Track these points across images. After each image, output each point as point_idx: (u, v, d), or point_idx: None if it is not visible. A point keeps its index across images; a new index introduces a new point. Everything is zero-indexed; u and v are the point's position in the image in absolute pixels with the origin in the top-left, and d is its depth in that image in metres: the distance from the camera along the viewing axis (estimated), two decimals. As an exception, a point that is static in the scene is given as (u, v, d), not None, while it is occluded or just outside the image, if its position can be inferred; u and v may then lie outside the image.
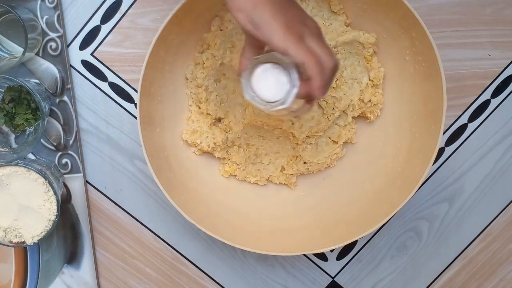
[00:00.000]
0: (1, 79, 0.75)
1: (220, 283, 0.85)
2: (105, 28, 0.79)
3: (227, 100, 0.77)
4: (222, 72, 0.77)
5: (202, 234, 0.81)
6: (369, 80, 0.77)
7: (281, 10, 0.56)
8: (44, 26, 0.77)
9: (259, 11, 0.55)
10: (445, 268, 0.86)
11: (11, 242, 0.74)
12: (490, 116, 0.83)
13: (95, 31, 0.79)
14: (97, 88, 0.80)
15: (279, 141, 0.79)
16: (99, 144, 0.81)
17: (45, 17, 0.77)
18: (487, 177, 0.84)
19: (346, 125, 0.79)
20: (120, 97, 0.81)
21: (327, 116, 0.77)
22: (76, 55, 0.79)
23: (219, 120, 0.78)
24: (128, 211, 0.83)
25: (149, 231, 0.83)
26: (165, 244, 0.84)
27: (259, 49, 0.60)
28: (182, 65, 0.77)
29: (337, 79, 0.76)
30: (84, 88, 0.80)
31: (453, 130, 0.83)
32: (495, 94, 0.82)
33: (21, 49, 0.76)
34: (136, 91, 0.80)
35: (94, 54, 0.80)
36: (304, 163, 0.79)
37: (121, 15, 0.79)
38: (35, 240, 0.74)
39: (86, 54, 0.80)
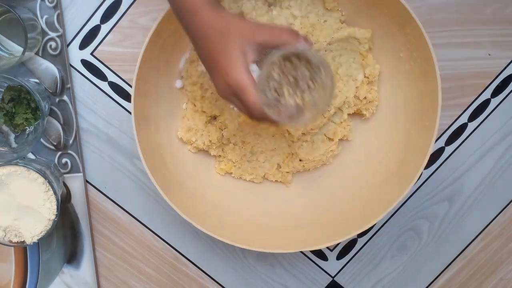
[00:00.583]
0: (1, 79, 0.75)
1: (220, 283, 0.85)
2: (105, 28, 0.79)
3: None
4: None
5: (202, 233, 0.81)
6: (365, 77, 0.77)
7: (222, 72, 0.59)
8: (44, 26, 0.78)
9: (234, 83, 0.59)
10: (445, 268, 0.86)
11: (11, 241, 0.74)
12: (490, 115, 0.83)
13: (95, 31, 0.79)
14: (97, 88, 0.80)
15: (274, 139, 0.79)
16: (99, 144, 0.81)
17: (45, 16, 0.77)
18: (487, 177, 0.84)
19: (341, 122, 0.79)
20: (120, 97, 0.81)
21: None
22: (76, 55, 0.79)
23: (214, 117, 0.78)
24: (128, 211, 0.83)
25: (149, 231, 0.83)
26: (165, 243, 0.84)
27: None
28: (177, 62, 0.77)
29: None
30: (84, 88, 0.80)
31: (453, 130, 0.83)
32: (495, 93, 0.82)
33: (21, 49, 0.76)
34: (136, 90, 0.80)
35: (94, 53, 0.80)
36: (300, 160, 0.79)
37: (121, 14, 0.79)
38: (35, 239, 0.74)
39: (86, 54, 0.80)
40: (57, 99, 0.79)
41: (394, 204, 0.70)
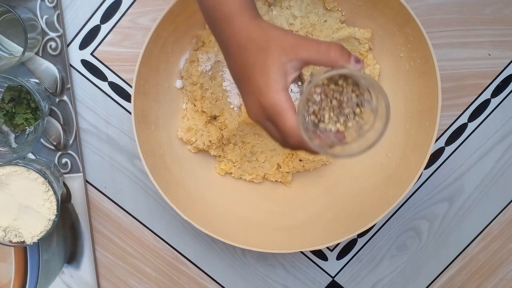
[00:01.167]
0: (1, 79, 0.75)
1: (220, 283, 0.85)
2: (105, 28, 0.79)
3: (222, 98, 0.77)
4: (217, 69, 0.77)
5: (202, 233, 0.81)
6: (365, 77, 0.77)
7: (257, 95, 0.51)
8: (43, 26, 0.78)
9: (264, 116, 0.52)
10: (445, 268, 0.86)
11: (11, 241, 0.74)
12: (490, 115, 0.83)
13: (95, 31, 0.79)
14: (97, 88, 0.80)
15: (274, 139, 0.79)
16: (99, 144, 0.81)
17: (45, 16, 0.77)
18: (487, 177, 0.84)
19: (341, 122, 0.79)
20: (120, 97, 0.81)
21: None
22: (76, 55, 0.79)
23: (214, 117, 0.78)
24: (128, 211, 0.83)
25: (149, 231, 0.83)
26: (165, 243, 0.84)
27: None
28: (177, 62, 0.77)
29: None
30: (84, 88, 0.80)
31: (453, 130, 0.83)
32: (495, 93, 0.82)
33: (21, 49, 0.76)
34: (136, 90, 0.80)
35: (94, 53, 0.80)
36: (300, 160, 0.79)
37: (121, 14, 0.79)
38: (35, 239, 0.74)
39: (86, 54, 0.80)
40: (57, 99, 0.79)
41: (394, 204, 0.70)
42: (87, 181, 0.82)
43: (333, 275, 0.86)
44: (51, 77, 0.79)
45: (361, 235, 0.85)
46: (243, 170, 0.80)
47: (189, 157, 0.79)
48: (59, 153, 0.80)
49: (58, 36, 0.78)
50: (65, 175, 0.80)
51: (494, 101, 0.83)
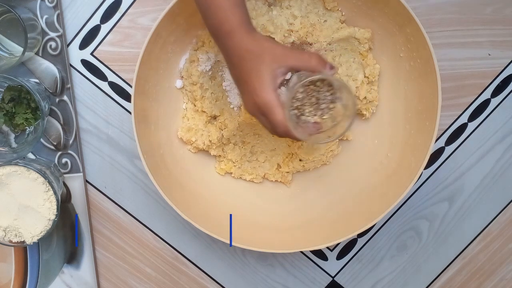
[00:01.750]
0: (1, 79, 0.75)
1: (220, 283, 0.85)
2: (104, 28, 0.79)
3: (222, 98, 0.77)
4: (217, 69, 0.77)
5: (202, 233, 0.81)
6: (365, 77, 0.77)
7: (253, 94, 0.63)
8: (44, 26, 0.78)
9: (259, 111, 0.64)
10: (445, 268, 0.86)
11: (11, 241, 0.74)
12: (490, 115, 0.83)
13: (94, 31, 0.79)
14: (97, 88, 0.80)
15: (274, 139, 0.79)
16: (99, 144, 0.81)
17: (45, 16, 0.77)
18: (487, 177, 0.84)
19: (341, 122, 0.79)
20: (120, 97, 0.81)
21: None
22: (76, 55, 0.79)
23: (214, 117, 0.78)
24: (128, 211, 0.83)
25: (149, 231, 0.83)
26: (165, 243, 0.84)
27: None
28: (177, 62, 0.77)
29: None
30: (84, 88, 0.80)
31: (453, 130, 0.83)
32: (495, 93, 0.82)
33: (21, 49, 0.76)
34: (136, 90, 0.80)
35: (94, 53, 0.80)
36: (300, 160, 0.79)
37: (121, 14, 0.79)
38: (35, 239, 0.74)
39: (86, 54, 0.80)
40: (57, 99, 0.79)
41: (394, 204, 0.70)
42: (87, 181, 0.82)
43: (333, 275, 0.86)
44: (51, 77, 0.79)
45: (361, 235, 0.85)
46: (243, 170, 0.80)
47: (189, 157, 0.79)
48: (59, 153, 0.80)
49: (58, 36, 0.78)
50: (65, 175, 0.80)
51: (494, 101, 0.83)
